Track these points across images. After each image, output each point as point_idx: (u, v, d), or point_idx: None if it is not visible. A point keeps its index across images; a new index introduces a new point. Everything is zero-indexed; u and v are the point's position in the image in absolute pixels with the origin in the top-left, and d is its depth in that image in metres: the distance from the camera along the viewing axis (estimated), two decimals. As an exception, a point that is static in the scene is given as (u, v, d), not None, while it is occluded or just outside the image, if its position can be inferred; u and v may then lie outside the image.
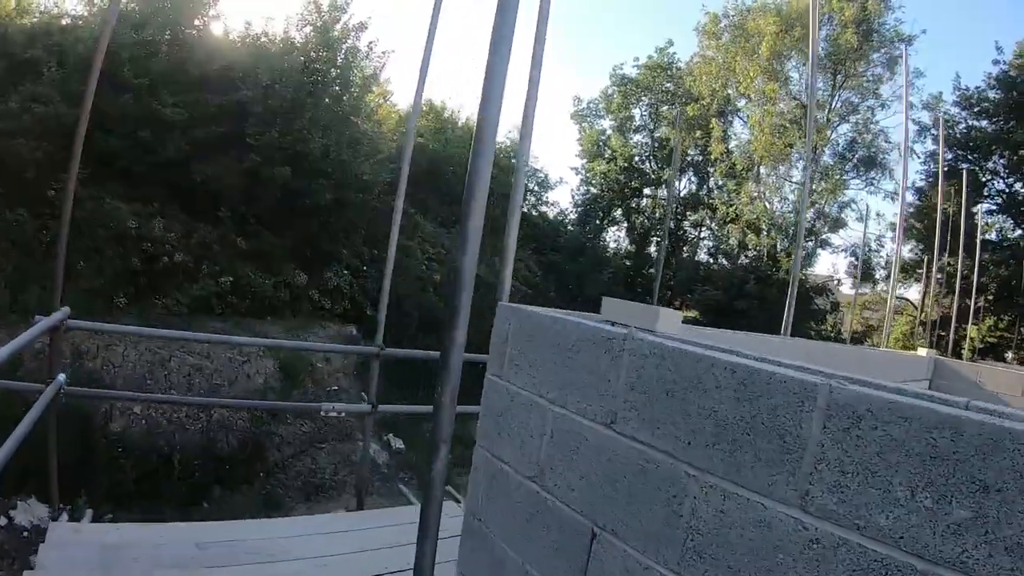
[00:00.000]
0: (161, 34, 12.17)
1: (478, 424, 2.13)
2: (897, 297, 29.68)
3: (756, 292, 23.98)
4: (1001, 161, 24.96)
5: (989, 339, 25.14)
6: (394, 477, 10.57)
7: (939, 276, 23.07)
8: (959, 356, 18.71)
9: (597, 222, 29.81)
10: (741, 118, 28.72)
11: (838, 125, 26.00)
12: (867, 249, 26.01)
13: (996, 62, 24.60)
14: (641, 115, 30.72)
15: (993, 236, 25.49)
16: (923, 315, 22.48)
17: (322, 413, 8.22)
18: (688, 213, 30.43)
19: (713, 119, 27.55)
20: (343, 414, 8.68)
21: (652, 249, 30.13)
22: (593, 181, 30.34)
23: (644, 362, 1.52)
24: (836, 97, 25.78)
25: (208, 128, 11.70)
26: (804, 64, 24.64)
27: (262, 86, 12.63)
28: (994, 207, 25.84)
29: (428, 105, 23.89)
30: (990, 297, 25.52)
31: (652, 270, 28.54)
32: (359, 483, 6.25)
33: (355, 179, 14.37)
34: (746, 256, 27.78)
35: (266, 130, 12.19)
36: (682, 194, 30.23)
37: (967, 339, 21.93)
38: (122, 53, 10.48)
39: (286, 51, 13.96)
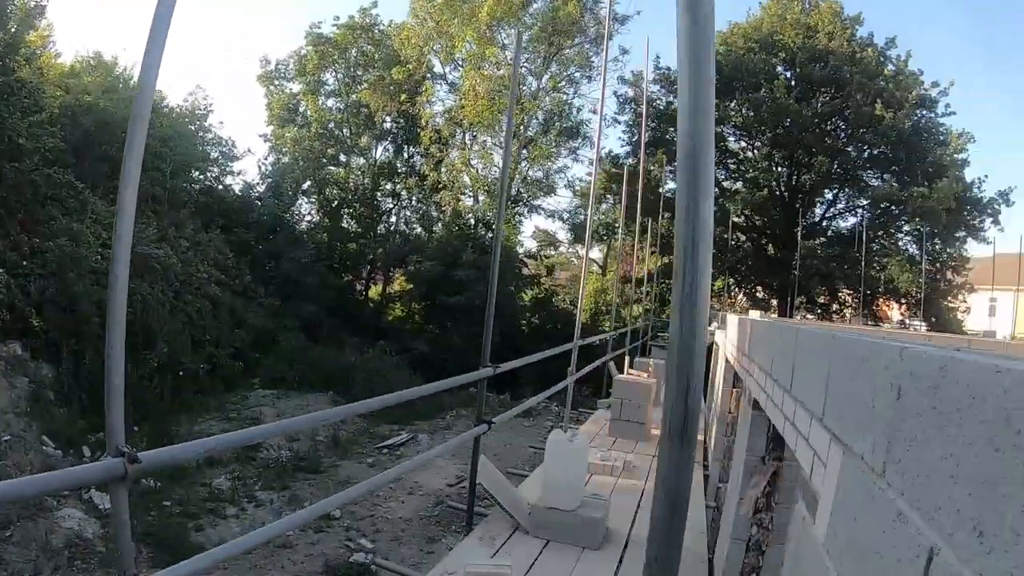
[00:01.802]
0: None
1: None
2: (582, 258, 40.09)
3: (474, 261, 29.41)
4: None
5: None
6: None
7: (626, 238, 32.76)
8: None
9: (290, 194, 33.17)
10: (451, 84, 34.67)
11: (548, 95, 33.29)
12: (577, 213, 35.29)
13: None
14: (337, 78, 35.11)
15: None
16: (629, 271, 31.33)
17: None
18: (394, 181, 35.45)
19: (427, 82, 33.15)
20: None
21: (350, 223, 34.78)
22: (284, 149, 33.85)
23: None
24: (548, 68, 33.09)
25: None
26: (524, 31, 31.73)
27: None
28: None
29: (96, 58, 25.55)
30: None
31: (353, 244, 33.39)
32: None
33: (9, 143, 14.48)
34: (459, 225, 33.30)
35: None
36: (384, 161, 35.25)
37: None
38: None
39: None
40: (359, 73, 35.14)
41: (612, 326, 18.70)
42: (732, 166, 36.20)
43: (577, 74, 34.33)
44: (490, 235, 32.04)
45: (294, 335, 26.11)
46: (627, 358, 17.27)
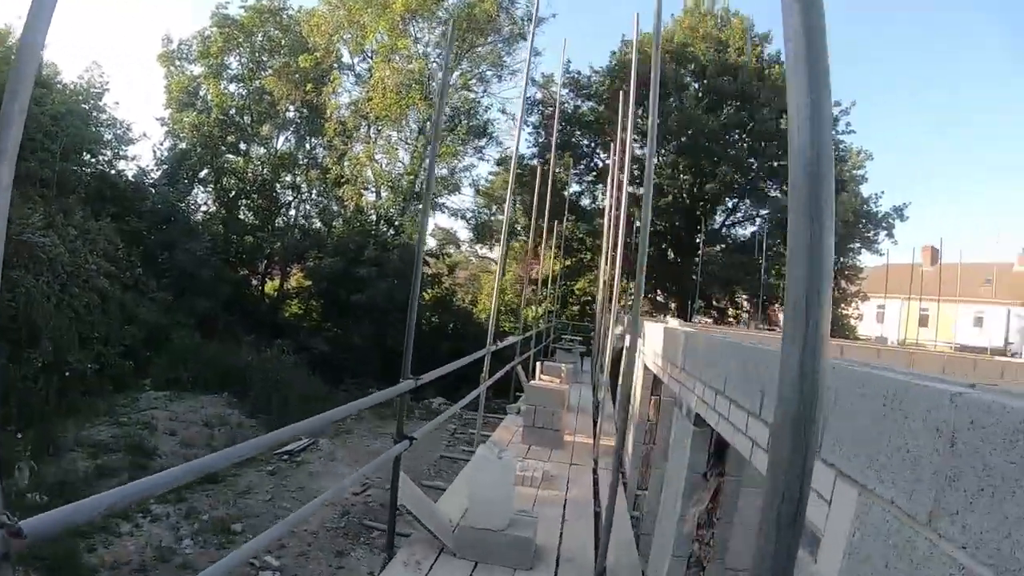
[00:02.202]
0: None
1: None
2: (482, 257, 42.47)
3: (376, 258, 30.32)
4: (596, 139, 38.47)
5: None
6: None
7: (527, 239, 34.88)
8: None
9: (186, 182, 33.38)
10: (360, 75, 35.58)
11: (458, 92, 34.45)
12: (481, 213, 37.41)
13: (614, 52, 37.71)
14: (242, 62, 35.51)
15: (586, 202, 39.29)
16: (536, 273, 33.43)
17: None
18: (294, 172, 36.13)
19: (335, 72, 34.07)
20: None
21: (247, 215, 35.25)
22: (182, 135, 33.82)
23: None
24: (459, 64, 34.19)
25: None
26: (438, 25, 33.01)
27: None
28: (591, 178, 39.83)
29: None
30: (587, 255, 39.21)
31: (250, 237, 33.85)
32: None
33: None
34: (361, 221, 34.36)
35: None
36: (285, 151, 35.99)
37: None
38: None
39: None
40: (264, 59, 35.60)
41: (520, 328, 19.98)
42: (637, 172, 38.77)
43: (489, 72, 35.97)
44: (392, 232, 33.59)
45: (188, 332, 25.95)
46: (537, 363, 17.92)
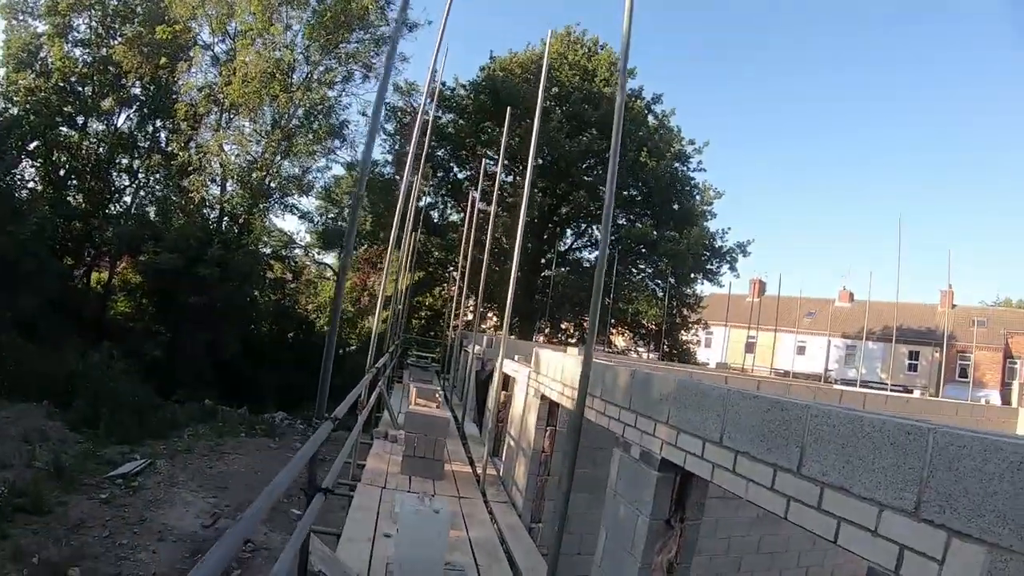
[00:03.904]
0: None
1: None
2: (319, 263, 42.40)
3: (219, 258, 29.09)
4: (455, 152, 39.17)
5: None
6: None
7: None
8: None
9: (14, 153, 30.49)
10: (218, 57, 34.27)
11: (321, 88, 34.05)
12: (328, 218, 37.32)
13: (483, 67, 38.48)
14: (91, 25, 33.26)
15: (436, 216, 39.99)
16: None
17: None
18: (134, 155, 34.39)
19: (196, 48, 32.93)
20: None
21: (77, 197, 32.97)
22: (15, 98, 31.49)
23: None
24: (324, 60, 33.97)
25: None
26: (312, 16, 32.42)
27: None
28: (445, 191, 40.55)
29: None
30: (438, 270, 39.94)
31: (79, 223, 31.79)
32: None
33: None
34: (202, 216, 33.18)
35: None
36: (126, 130, 34.17)
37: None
38: None
39: None
40: (116, 25, 33.67)
41: (356, 340, 19.75)
42: (488, 188, 39.90)
43: (355, 71, 35.87)
44: (237, 231, 32.86)
45: (4, 331, 24.28)
46: (411, 386, 17.42)
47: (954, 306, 55.11)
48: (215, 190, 34.26)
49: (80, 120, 33.97)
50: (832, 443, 3.50)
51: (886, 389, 30.79)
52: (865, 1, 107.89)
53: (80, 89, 33.59)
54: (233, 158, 34.05)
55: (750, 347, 50.17)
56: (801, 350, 54.09)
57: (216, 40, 35.23)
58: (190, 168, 33.01)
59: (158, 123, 35.25)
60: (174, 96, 33.53)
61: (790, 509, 3.77)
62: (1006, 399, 40.95)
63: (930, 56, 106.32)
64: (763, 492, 4.06)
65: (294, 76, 34.06)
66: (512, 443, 12.65)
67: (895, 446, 3.09)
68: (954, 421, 14.10)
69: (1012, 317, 56.63)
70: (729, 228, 57.87)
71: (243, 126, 34.39)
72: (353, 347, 31.86)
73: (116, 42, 33.35)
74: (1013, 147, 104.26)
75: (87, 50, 33.79)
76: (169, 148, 34.19)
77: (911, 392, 34.97)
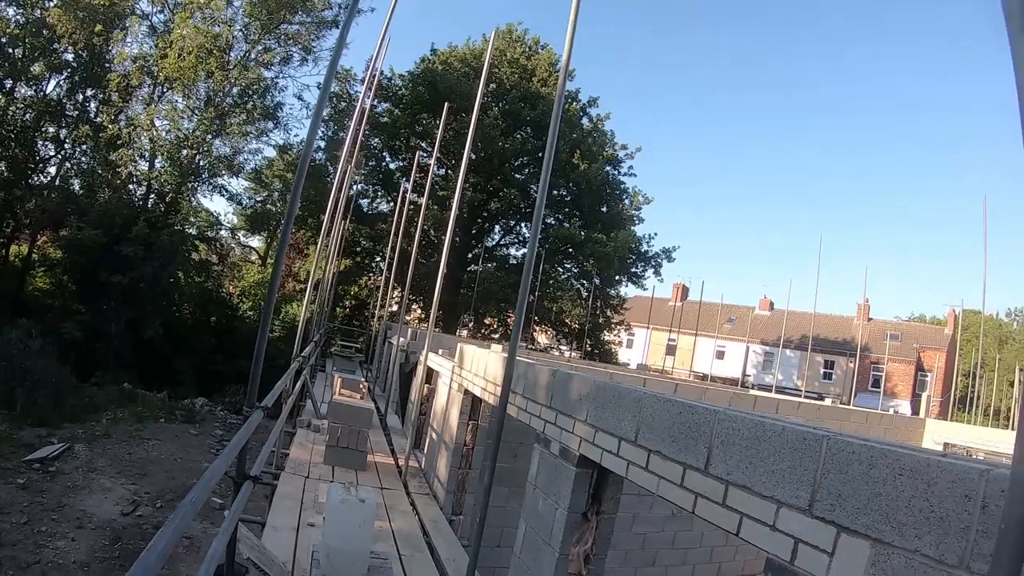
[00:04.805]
0: None
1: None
2: (245, 245, 41.89)
3: (145, 237, 28.24)
4: (390, 142, 39.10)
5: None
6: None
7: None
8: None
9: None
10: (155, 27, 33.45)
11: (259, 68, 33.63)
12: (256, 201, 36.80)
13: (424, 58, 38.47)
14: None
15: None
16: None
17: None
18: (60, 125, 33.17)
19: (135, 16, 31.81)
20: None
21: None
22: None
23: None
24: (263, 39, 33.40)
25: None
26: None
27: None
28: (375, 181, 40.47)
29: None
30: (365, 259, 39.82)
31: (1, 193, 30.21)
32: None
33: None
34: (128, 193, 32.48)
35: None
36: (54, 98, 32.87)
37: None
38: None
39: None
40: None
41: (281, 327, 19.32)
42: (420, 180, 39.98)
43: (296, 56, 35.37)
44: (164, 209, 32.16)
45: None
46: (336, 376, 17.66)
47: (870, 319, 57.22)
48: (143, 166, 33.33)
49: (8, 84, 32.42)
50: (737, 445, 3.78)
51: (800, 395, 31.78)
52: (804, 26, 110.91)
53: (10, 51, 31.87)
54: (164, 134, 33.07)
55: (671, 350, 51.22)
56: (720, 354, 55.47)
57: (155, 10, 34.39)
58: (119, 142, 31.84)
59: (89, 92, 33.82)
60: (107, 65, 32.41)
61: (697, 505, 4.05)
62: (916, 410, 42.71)
63: (856, 83, 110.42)
64: (673, 489, 4.32)
65: (232, 54, 33.34)
66: (434, 436, 12.77)
67: (793, 450, 3.38)
68: (863, 429, 14.78)
69: (925, 332, 59.11)
70: (656, 234, 59.36)
71: (176, 101, 33.50)
72: (276, 334, 31.41)
73: (52, 4, 31.92)
74: (930, 173, 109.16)
75: (21, 10, 32.19)
76: (99, 119, 32.93)
77: (823, 399, 36.11)
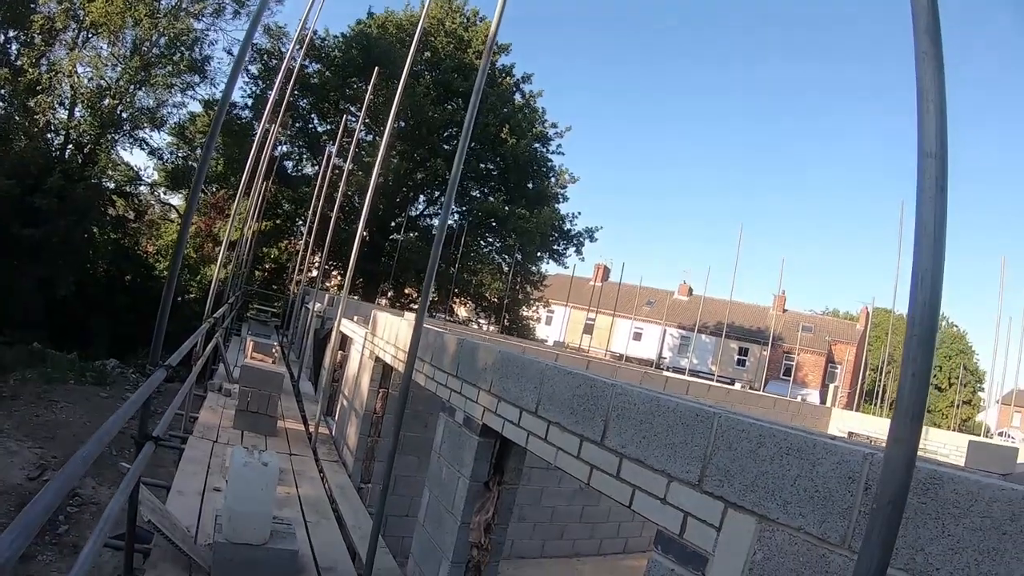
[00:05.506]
0: None
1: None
2: (164, 203, 40.55)
3: (60, 189, 27.04)
4: (318, 104, 38.43)
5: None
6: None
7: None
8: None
9: None
10: None
11: (187, 19, 32.49)
12: (177, 156, 35.59)
13: (360, 21, 37.72)
14: None
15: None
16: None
17: None
18: None
19: None
20: None
21: None
22: None
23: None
24: None
25: None
26: None
27: None
28: (301, 142, 39.78)
29: None
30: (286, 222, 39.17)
31: None
32: None
33: None
34: (45, 141, 30.75)
35: None
36: None
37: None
38: None
39: None
40: None
41: (197, 288, 18.77)
42: (346, 144, 39.46)
43: (229, 8, 34.10)
44: (81, 160, 30.85)
45: None
46: (248, 339, 17.69)
47: (785, 311, 58.75)
48: (63, 114, 31.73)
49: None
50: (632, 419, 3.83)
51: (713, 380, 32.45)
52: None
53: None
54: (86, 81, 31.66)
55: (589, 328, 51.86)
56: (638, 336, 56.23)
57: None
58: (39, 87, 30.28)
59: (11, 33, 31.64)
60: (32, 5, 30.48)
61: (593, 476, 4.09)
62: (824, 399, 44.10)
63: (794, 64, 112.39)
64: (571, 460, 4.36)
65: (162, 1, 32.06)
66: (345, 403, 12.70)
67: (685, 426, 3.43)
68: (771, 414, 15.14)
69: (837, 326, 61.00)
70: (579, 213, 59.78)
71: (101, 48, 32.00)
72: (192, 295, 30.60)
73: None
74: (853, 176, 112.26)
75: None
76: (19, 63, 31.00)
77: (735, 384, 37.02)
